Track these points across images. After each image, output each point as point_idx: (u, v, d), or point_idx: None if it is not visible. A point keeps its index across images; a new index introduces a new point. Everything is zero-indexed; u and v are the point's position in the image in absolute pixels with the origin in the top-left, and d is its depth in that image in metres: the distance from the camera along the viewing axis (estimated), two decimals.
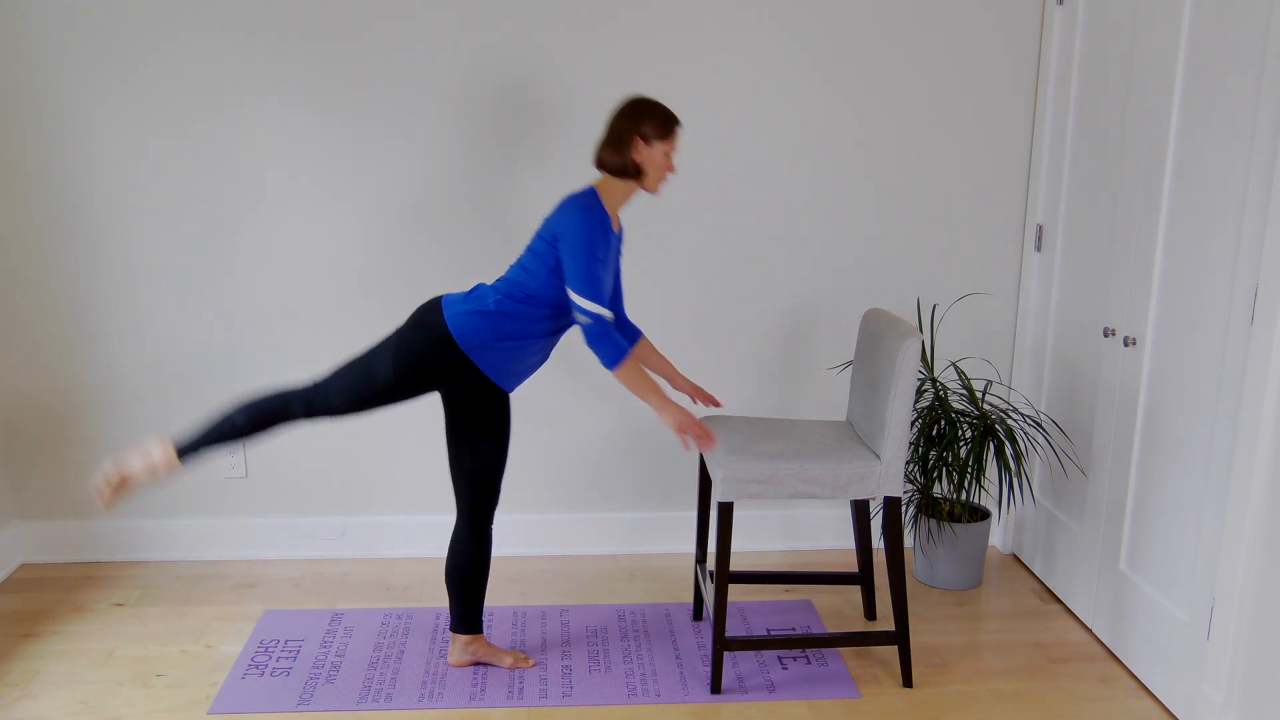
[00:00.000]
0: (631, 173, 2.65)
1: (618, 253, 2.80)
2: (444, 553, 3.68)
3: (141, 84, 3.28)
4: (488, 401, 2.74)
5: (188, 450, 2.69)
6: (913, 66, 3.45)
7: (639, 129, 2.63)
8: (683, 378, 3.04)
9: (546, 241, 2.63)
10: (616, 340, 2.59)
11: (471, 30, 3.31)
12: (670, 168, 2.70)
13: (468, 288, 3.25)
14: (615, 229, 2.72)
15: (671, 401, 2.65)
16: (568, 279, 2.58)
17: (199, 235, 3.40)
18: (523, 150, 3.41)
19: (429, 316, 2.66)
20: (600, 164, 2.67)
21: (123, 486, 2.67)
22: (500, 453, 2.78)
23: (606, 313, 2.57)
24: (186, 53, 3.27)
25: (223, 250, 3.42)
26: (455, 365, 2.64)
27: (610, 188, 2.68)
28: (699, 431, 2.67)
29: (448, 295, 2.71)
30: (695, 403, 3.29)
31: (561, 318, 2.70)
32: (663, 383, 3.58)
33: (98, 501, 2.59)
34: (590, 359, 3.55)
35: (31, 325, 3.42)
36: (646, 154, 2.65)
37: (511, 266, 2.70)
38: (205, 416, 2.69)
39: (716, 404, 3.07)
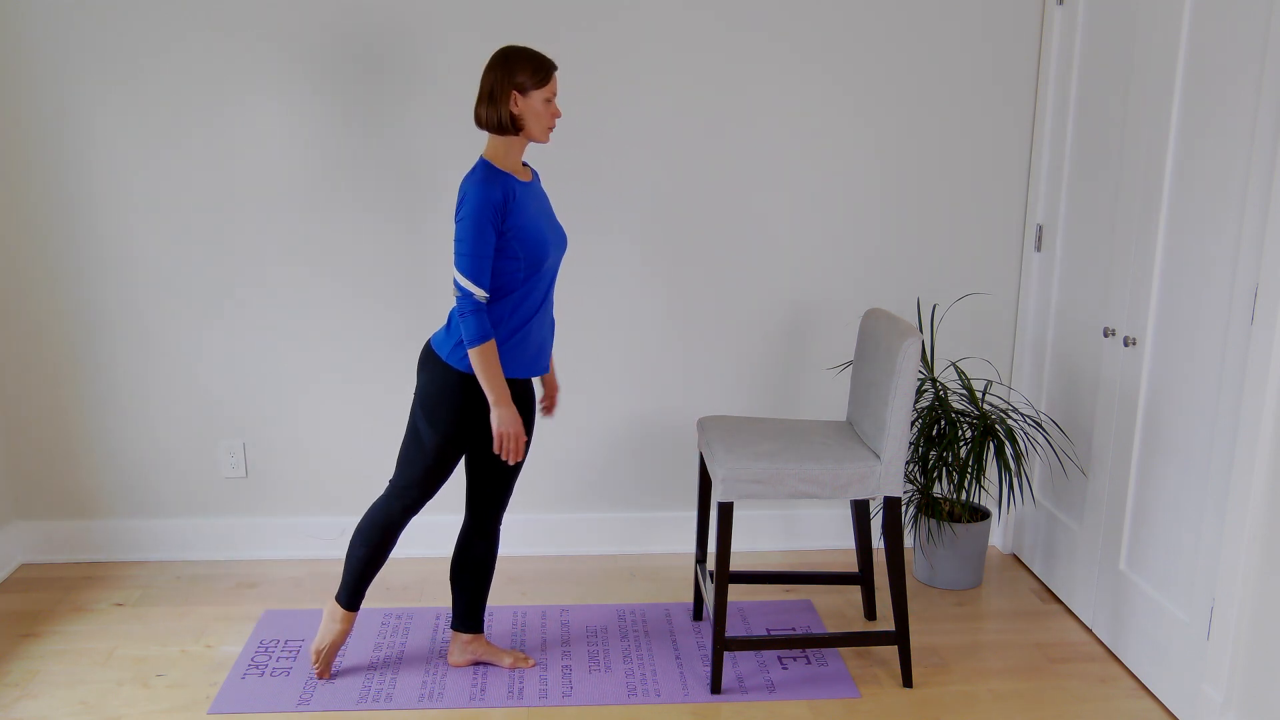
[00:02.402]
0: (510, 128, 2.53)
1: (539, 200, 2.67)
2: (444, 553, 3.68)
3: (142, 85, 3.28)
4: (519, 409, 2.71)
5: (350, 597, 2.82)
6: (913, 66, 3.45)
7: (513, 81, 2.50)
8: (552, 378, 2.94)
9: None
10: (484, 322, 2.52)
11: (472, 23, 3.31)
12: (555, 114, 2.57)
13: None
14: (527, 179, 2.62)
15: (511, 405, 2.58)
16: (454, 254, 2.51)
17: (200, 235, 3.40)
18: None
19: (433, 369, 2.64)
20: (479, 122, 2.56)
21: (330, 655, 2.87)
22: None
23: (481, 293, 2.50)
24: (187, 54, 3.27)
25: (224, 251, 3.41)
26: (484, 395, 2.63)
27: (499, 148, 2.56)
28: (515, 445, 2.61)
29: (434, 337, 2.68)
30: (540, 405, 3.04)
31: (531, 281, 2.60)
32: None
33: (316, 671, 2.89)
34: (588, 360, 3.55)
35: (32, 326, 3.42)
36: (525, 105, 2.52)
37: None
38: (345, 567, 2.88)
39: (550, 414, 2.98)
